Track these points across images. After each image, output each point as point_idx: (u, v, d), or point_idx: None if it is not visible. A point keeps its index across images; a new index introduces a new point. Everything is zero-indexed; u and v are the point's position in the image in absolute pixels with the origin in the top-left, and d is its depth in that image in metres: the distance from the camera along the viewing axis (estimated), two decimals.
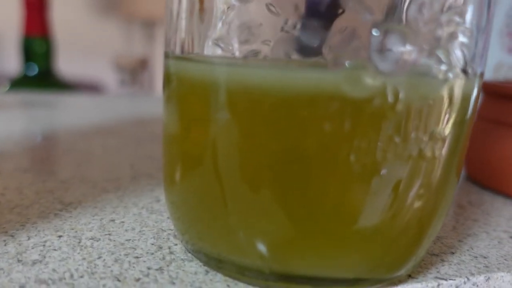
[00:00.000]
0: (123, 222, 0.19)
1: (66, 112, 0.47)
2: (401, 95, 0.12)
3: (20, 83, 0.66)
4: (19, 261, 0.15)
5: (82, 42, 2.02)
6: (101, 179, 0.24)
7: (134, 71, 1.90)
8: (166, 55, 0.16)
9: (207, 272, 0.15)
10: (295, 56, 0.13)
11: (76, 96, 0.60)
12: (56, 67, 0.69)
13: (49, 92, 0.64)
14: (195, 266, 0.16)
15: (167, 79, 0.16)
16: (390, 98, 0.12)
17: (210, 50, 0.14)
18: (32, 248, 0.16)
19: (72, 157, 0.29)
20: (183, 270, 0.15)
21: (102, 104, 0.54)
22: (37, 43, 0.65)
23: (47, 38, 0.65)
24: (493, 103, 0.27)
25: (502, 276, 0.17)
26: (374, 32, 0.12)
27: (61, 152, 0.30)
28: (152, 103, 0.58)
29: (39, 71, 0.66)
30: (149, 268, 0.15)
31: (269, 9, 0.13)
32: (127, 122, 0.43)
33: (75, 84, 0.73)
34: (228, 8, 0.13)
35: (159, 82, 2.14)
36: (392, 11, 0.12)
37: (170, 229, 0.18)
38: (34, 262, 0.15)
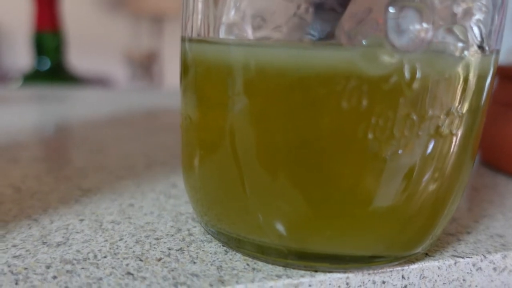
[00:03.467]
0: (142, 206, 0.19)
1: (78, 106, 0.47)
2: (418, 72, 0.12)
3: (32, 77, 0.67)
4: (43, 243, 0.16)
5: (92, 37, 2.04)
6: (117, 167, 0.25)
7: (145, 65, 1.90)
8: (183, 39, 0.16)
9: (226, 252, 0.16)
10: (308, 40, 0.13)
11: (88, 90, 0.61)
12: (67, 62, 0.70)
13: (61, 86, 0.65)
14: (214, 247, 0.16)
15: (184, 64, 0.16)
16: (407, 75, 0.12)
17: (224, 36, 0.14)
18: (56, 231, 0.17)
19: (87, 146, 0.29)
20: (203, 250, 0.16)
21: (113, 98, 0.54)
22: (48, 38, 0.65)
23: (58, 33, 0.66)
24: (506, 86, 0.27)
25: None
26: (391, 9, 0.12)
27: (76, 142, 0.30)
28: (163, 96, 0.58)
29: (51, 65, 0.67)
30: (169, 249, 0.16)
31: None
32: (139, 114, 0.43)
33: (86, 79, 0.74)
34: None
35: (168, 76, 2.14)
36: None
37: (188, 213, 0.19)
38: (58, 244, 0.16)
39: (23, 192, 0.20)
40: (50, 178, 0.22)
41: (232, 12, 0.14)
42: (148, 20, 2.18)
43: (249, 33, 0.13)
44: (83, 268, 0.14)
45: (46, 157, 0.26)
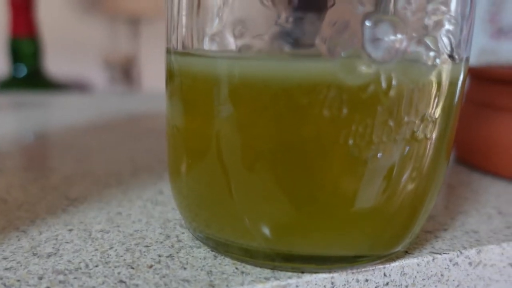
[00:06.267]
0: (129, 214, 0.20)
1: (58, 112, 0.47)
2: (393, 81, 0.13)
3: (9, 84, 0.66)
4: (34, 254, 0.16)
5: (69, 42, 2.00)
6: (102, 174, 0.25)
7: (123, 68, 1.89)
8: (168, 51, 0.16)
9: (215, 257, 0.16)
10: (289, 49, 0.13)
11: (67, 95, 0.61)
12: (44, 67, 0.69)
13: (39, 92, 0.64)
14: (203, 252, 0.16)
15: (170, 74, 0.16)
16: (383, 84, 0.13)
17: (208, 46, 0.14)
18: (45, 242, 0.17)
19: (71, 154, 0.29)
20: (192, 256, 0.16)
21: (93, 102, 0.54)
22: (24, 44, 0.65)
23: (35, 38, 0.65)
24: (480, 86, 0.28)
25: (492, 249, 0.18)
26: (367, 23, 0.13)
27: (59, 149, 0.30)
28: (143, 100, 0.58)
29: (28, 71, 0.66)
30: (160, 256, 0.16)
31: (262, 3, 0.13)
32: (121, 118, 0.43)
33: (64, 84, 0.73)
34: (224, 4, 0.14)
35: (147, 79, 2.13)
36: (380, 2, 0.13)
37: (176, 219, 0.19)
38: (49, 255, 0.16)
39: (10, 203, 0.20)
40: (36, 187, 0.22)
41: (215, 22, 0.14)
42: (125, 23, 2.16)
43: (231, 42, 0.14)
44: (75, 278, 0.14)
45: (29, 166, 0.26)
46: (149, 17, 2.06)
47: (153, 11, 1.94)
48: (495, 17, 0.43)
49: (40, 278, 0.14)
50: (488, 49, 0.44)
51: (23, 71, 0.66)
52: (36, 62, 0.67)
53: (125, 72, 1.90)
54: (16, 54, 0.65)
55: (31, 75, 0.67)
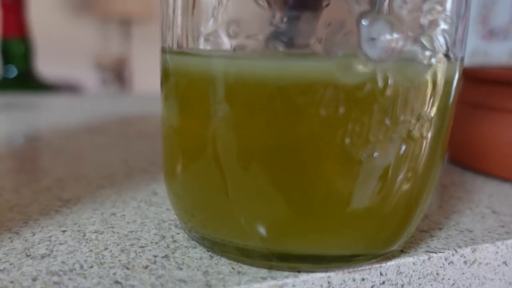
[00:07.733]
0: (124, 215, 0.19)
1: (49, 113, 0.46)
2: (390, 80, 0.13)
3: (0, 86, 0.65)
4: (27, 255, 0.16)
5: (60, 43, 1.99)
6: (96, 176, 0.25)
7: (115, 69, 1.88)
8: (163, 50, 0.16)
9: (211, 257, 0.16)
10: (284, 49, 0.13)
11: (58, 96, 0.60)
12: (35, 69, 0.68)
13: (30, 94, 0.63)
14: (199, 252, 0.16)
15: (165, 74, 0.16)
16: (380, 83, 0.13)
17: (203, 46, 0.14)
18: (39, 243, 0.17)
19: (63, 156, 0.29)
20: (188, 257, 0.16)
21: (84, 104, 0.54)
22: (15, 45, 0.64)
23: (25, 40, 0.65)
24: (472, 87, 0.29)
25: (487, 247, 0.18)
26: (364, 22, 0.13)
27: (51, 151, 0.30)
28: (135, 102, 0.58)
29: (19, 73, 0.65)
30: (155, 256, 0.16)
31: (256, 3, 0.13)
32: (113, 120, 0.43)
33: (55, 85, 0.73)
34: (219, 4, 0.14)
35: (138, 80, 2.12)
36: (376, 1, 0.13)
37: (170, 220, 0.19)
38: (42, 256, 0.16)
39: (1, 205, 0.20)
40: (28, 189, 0.22)
41: (210, 22, 0.14)
42: (116, 24, 2.15)
43: (226, 42, 0.14)
44: (70, 279, 0.14)
45: (21, 168, 0.26)
46: (141, 19, 2.05)
47: (145, 13, 1.94)
48: (486, 18, 0.44)
49: (34, 280, 0.14)
50: (479, 51, 0.44)
51: (13, 72, 0.65)
52: (27, 63, 0.66)
53: (117, 73, 1.90)
54: (7, 55, 0.64)
55: (21, 76, 0.66)
